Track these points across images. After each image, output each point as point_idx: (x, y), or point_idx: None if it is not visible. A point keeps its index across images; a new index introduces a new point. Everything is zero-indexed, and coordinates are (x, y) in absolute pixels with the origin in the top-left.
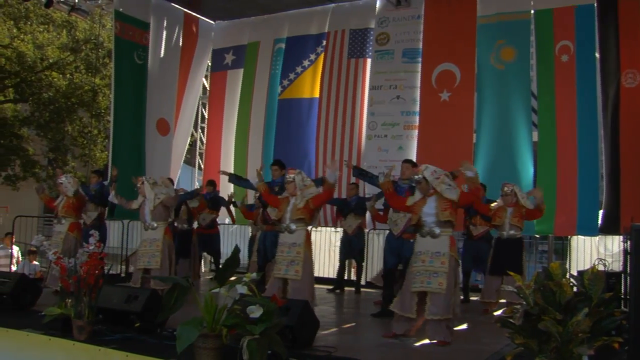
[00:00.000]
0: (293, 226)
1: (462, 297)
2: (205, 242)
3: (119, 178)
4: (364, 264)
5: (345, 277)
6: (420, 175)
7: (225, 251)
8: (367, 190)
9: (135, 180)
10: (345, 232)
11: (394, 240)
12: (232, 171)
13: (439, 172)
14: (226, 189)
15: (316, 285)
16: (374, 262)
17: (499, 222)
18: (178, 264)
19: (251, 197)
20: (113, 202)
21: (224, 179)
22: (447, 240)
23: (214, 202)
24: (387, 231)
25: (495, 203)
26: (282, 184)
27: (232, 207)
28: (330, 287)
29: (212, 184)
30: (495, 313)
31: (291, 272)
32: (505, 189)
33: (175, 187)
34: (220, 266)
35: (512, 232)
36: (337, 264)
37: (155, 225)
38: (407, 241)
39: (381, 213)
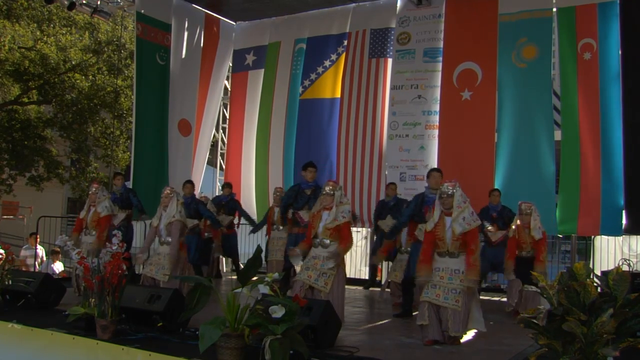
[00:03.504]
0: (327, 241)
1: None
2: (223, 242)
3: (141, 181)
4: None
5: (367, 277)
6: (452, 190)
7: (247, 251)
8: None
9: (165, 189)
10: (382, 231)
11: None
12: (253, 171)
13: (465, 197)
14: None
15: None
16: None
17: (525, 249)
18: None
19: None
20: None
21: (244, 181)
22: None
23: (230, 206)
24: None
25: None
26: (314, 188)
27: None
28: (360, 287)
29: (229, 186)
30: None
31: (320, 283)
32: (524, 207)
33: (198, 188)
34: (240, 266)
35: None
36: (358, 263)
37: (170, 240)
38: None
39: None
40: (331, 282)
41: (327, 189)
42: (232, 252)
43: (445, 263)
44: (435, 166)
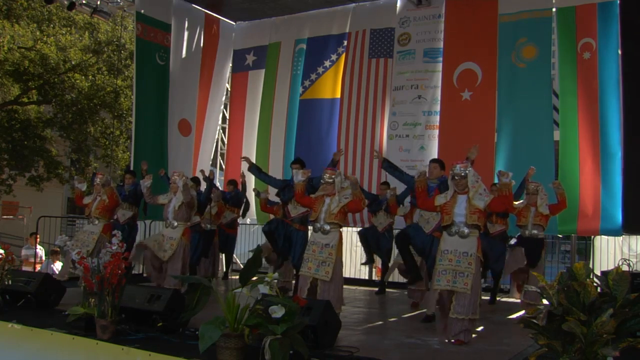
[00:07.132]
0: (327, 227)
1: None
2: (222, 240)
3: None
4: (390, 264)
5: (367, 277)
6: (467, 171)
7: (247, 251)
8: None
9: (173, 174)
10: (375, 229)
11: (424, 235)
12: None
13: (478, 176)
14: (249, 195)
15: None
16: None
17: (523, 222)
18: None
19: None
20: (143, 191)
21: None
22: (475, 241)
23: (235, 200)
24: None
25: (520, 202)
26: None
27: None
28: (360, 287)
29: (233, 183)
30: (519, 313)
31: (321, 273)
32: (531, 187)
33: (200, 188)
34: (229, 266)
35: (534, 231)
36: (358, 263)
37: (176, 224)
38: (437, 239)
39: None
40: (332, 270)
41: (325, 177)
42: (228, 250)
43: (454, 245)
44: None
